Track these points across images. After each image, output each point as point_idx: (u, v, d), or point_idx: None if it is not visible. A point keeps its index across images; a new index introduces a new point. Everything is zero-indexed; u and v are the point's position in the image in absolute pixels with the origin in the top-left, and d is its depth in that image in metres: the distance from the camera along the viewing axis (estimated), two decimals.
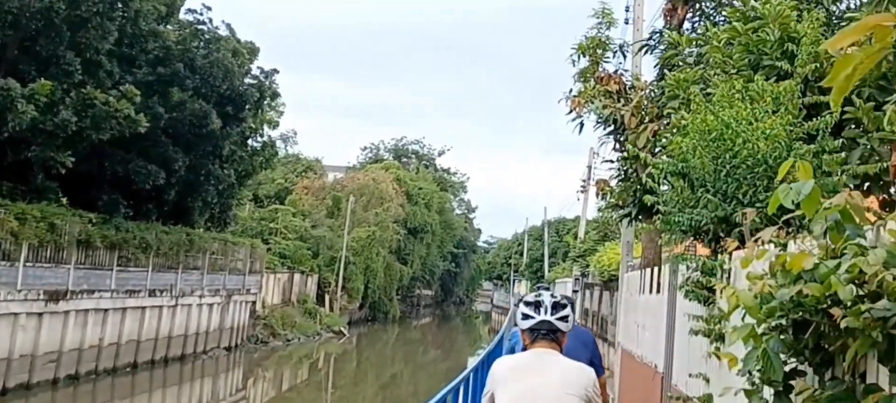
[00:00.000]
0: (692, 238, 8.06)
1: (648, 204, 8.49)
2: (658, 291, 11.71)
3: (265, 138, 35.61)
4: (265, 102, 34.06)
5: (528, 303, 4.60)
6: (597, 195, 14.75)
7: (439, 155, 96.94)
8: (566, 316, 4.57)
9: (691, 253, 8.74)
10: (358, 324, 67.03)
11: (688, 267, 8.04)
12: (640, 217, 12.39)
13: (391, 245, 71.36)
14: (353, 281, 64.11)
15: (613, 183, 13.49)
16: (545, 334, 4.48)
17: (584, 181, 36.68)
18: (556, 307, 4.56)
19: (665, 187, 8.06)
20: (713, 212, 6.93)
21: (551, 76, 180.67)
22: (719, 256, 7.19)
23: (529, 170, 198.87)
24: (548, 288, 7.44)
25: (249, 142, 34.56)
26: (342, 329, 56.95)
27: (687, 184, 7.40)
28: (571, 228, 49.64)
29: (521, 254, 79.58)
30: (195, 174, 30.13)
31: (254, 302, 44.11)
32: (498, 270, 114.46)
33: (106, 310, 29.03)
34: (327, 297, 59.45)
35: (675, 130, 8.21)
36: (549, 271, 58.48)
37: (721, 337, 6.79)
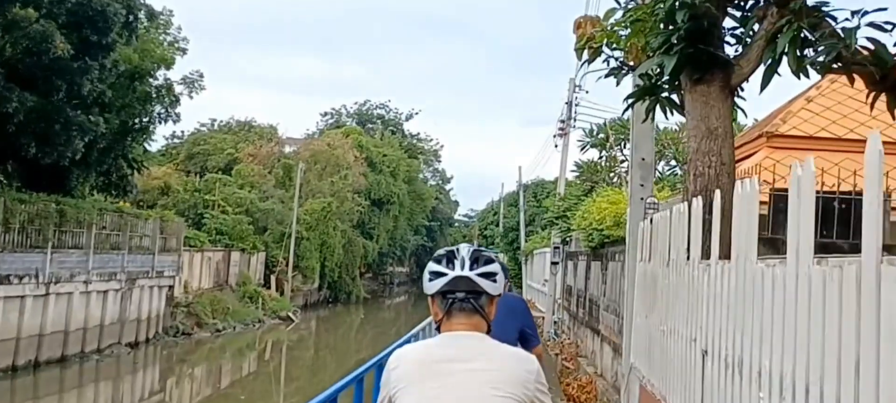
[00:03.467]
0: None
1: None
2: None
3: (160, 80, 28.10)
4: (140, 25, 26.69)
5: (437, 258, 3.22)
6: (581, 49, 7.38)
7: (407, 119, 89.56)
8: (493, 273, 3.16)
9: None
10: (315, 307, 60.06)
11: None
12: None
13: (352, 217, 64.37)
14: (306, 259, 57.09)
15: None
16: (463, 301, 3.12)
17: (561, 123, 29.54)
18: (479, 259, 3.17)
19: None
20: None
21: (528, 50, 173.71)
22: None
23: (508, 143, 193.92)
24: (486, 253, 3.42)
25: (136, 83, 27.04)
26: (290, 314, 49.70)
27: None
28: (551, 191, 42.48)
29: (498, 224, 72.46)
30: (47, 121, 22.66)
31: (171, 287, 36.78)
32: (476, 244, 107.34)
33: None
34: (273, 278, 52.34)
35: None
36: (525, 241, 51.27)
37: None
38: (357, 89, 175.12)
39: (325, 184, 60.56)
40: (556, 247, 29.25)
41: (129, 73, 26.89)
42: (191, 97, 31.09)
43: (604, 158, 26.01)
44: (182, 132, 69.31)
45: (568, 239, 27.39)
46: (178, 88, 30.27)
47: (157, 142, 47.82)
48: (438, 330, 3.19)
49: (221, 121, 70.96)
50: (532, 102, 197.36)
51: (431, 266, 3.22)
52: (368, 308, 68.71)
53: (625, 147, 24.60)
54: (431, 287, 3.18)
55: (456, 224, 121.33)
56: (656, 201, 10.48)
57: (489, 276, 3.16)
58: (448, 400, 2.96)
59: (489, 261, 3.21)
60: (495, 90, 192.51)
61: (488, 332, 3.16)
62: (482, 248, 3.34)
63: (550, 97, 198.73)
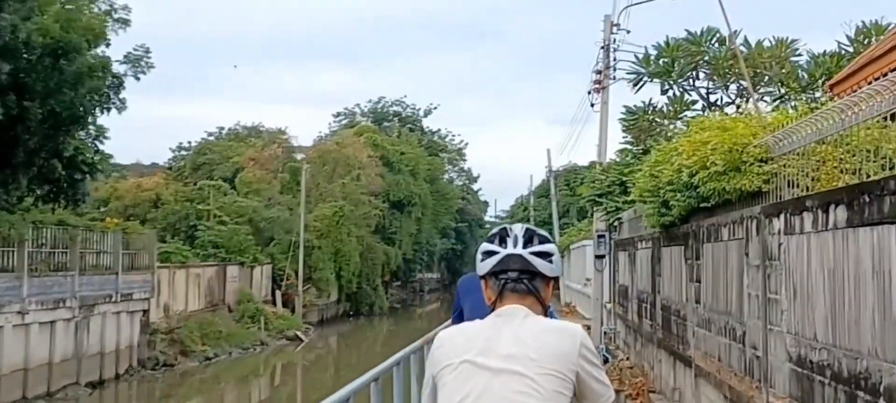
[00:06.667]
0: None
1: None
2: None
3: (89, 57, 22.23)
4: None
5: (490, 237, 3.15)
6: None
7: (425, 115, 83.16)
8: (548, 253, 3.06)
9: None
10: (333, 323, 54.58)
11: None
12: None
13: (370, 222, 58.71)
14: (320, 270, 51.45)
15: None
16: (516, 280, 3.02)
17: (597, 73, 23.28)
18: (533, 238, 3.07)
19: None
20: None
21: (551, 49, 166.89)
22: None
23: (536, 142, 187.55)
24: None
25: (62, 62, 21.22)
26: (299, 333, 43.93)
27: None
28: (586, 177, 36.42)
29: (528, 220, 66.48)
30: None
31: (145, 312, 31.10)
32: None
33: None
34: (278, 293, 46.70)
35: None
36: (560, 235, 45.12)
37: None
38: (379, 97, 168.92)
39: (336, 186, 54.92)
40: (600, 236, 23.16)
41: (51, 49, 21.17)
42: (137, 78, 25.17)
43: (671, 96, 19.32)
44: (189, 143, 64.30)
45: (616, 223, 21.28)
46: (119, 68, 24.43)
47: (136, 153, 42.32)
48: (492, 310, 3.04)
49: (228, 129, 65.60)
50: (557, 100, 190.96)
51: (484, 245, 3.13)
52: (397, 318, 63.74)
53: (699, 75, 18.16)
54: (483, 267, 3.10)
55: (487, 225, 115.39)
56: None
57: (544, 256, 3.05)
58: (493, 384, 2.85)
59: (544, 240, 3.10)
60: (520, 91, 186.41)
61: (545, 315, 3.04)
62: (537, 229, 3.17)
63: (576, 93, 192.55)
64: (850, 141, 7.72)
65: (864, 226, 5.81)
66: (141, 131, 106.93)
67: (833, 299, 6.30)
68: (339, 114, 79.65)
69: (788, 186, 7.96)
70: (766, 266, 7.94)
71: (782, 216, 7.45)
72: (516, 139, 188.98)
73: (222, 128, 64.93)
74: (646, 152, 17.10)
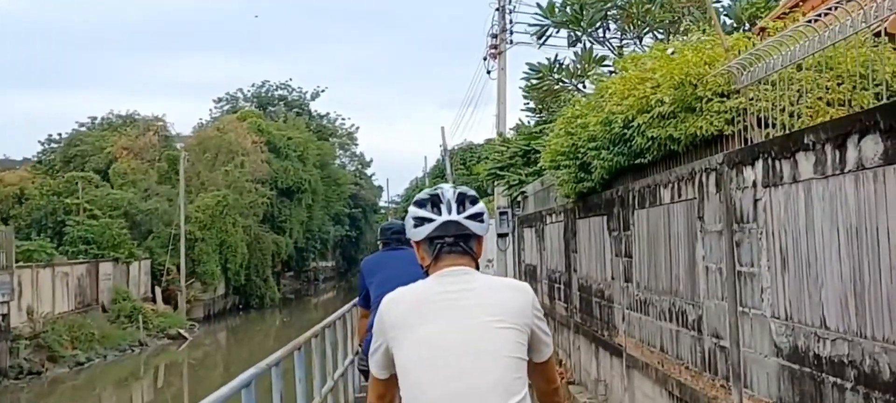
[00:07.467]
0: None
1: None
2: None
3: None
4: None
5: (420, 202, 3.13)
6: None
7: (313, 98, 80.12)
8: (480, 213, 3.11)
9: None
10: (221, 317, 51.90)
11: None
12: None
13: (257, 211, 55.96)
14: (204, 263, 48.56)
15: None
16: (453, 244, 3.05)
17: (493, 38, 21.32)
18: (465, 201, 3.08)
19: None
20: None
21: (442, 34, 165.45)
22: None
23: (429, 127, 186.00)
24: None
25: None
26: (182, 331, 41.05)
27: None
28: (483, 154, 34.74)
29: None
30: None
31: (4, 316, 27.99)
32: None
33: None
34: (159, 290, 43.66)
35: None
36: None
37: None
38: (263, 81, 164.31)
39: (218, 174, 51.93)
40: (502, 213, 21.34)
41: None
42: None
43: (578, 52, 17.28)
44: (60, 135, 59.93)
45: (520, 198, 19.49)
46: None
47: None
48: (426, 274, 3.10)
49: (101, 119, 61.45)
50: (450, 85, 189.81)
51: (415, 211, 3.13)
52: (291, 309, 61.27)
53: (609, 26, 16.15)
54: (417, 233, 3.11)
55: (382, 210, 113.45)
56: None
57: (476, 217, 3.09)
58: (451, 338, 2.90)
59: (474, 201, 3.12)
60: (411, 76, 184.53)
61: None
62: (465, 189, 3.19)
63: (468, 78, 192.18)
64: (838, 64, 5.97)
65: None
66: (9, 125, 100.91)
67: (857, 269, 4.48)
68: (220, 100, 76.07)
69: (760, 126, 6.15)
70: (734, 230, 6.11)
71: (760, 162, 5.62)
72: (409, 123, 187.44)
73: (95, 119, 60.91)
74: (548, 122, 15.20)
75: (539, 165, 13.98)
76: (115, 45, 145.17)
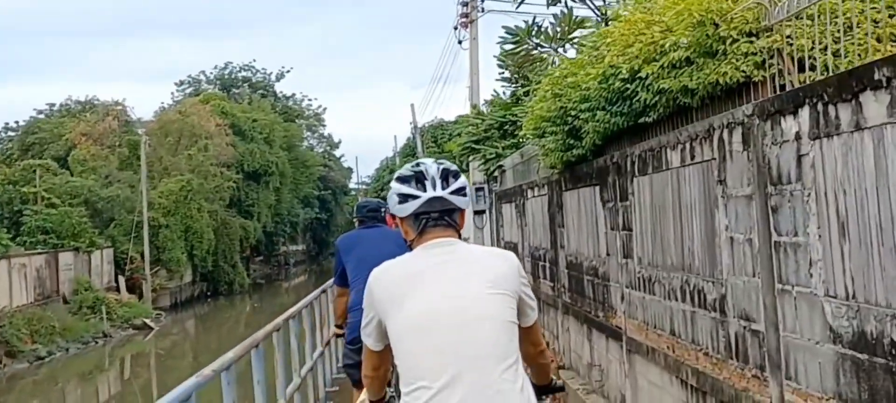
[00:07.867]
0: None
1: None
2: None
3: None
4: None
5: (404, 178, 3.15)
6: None
7: (278, 79, 78.49)
8: (462, 188, 3.16)
9: None
10: (188, 306, 50.63)
11: None
12: None
13: (223, 195, 54.70)
14: (169, 251, 47.27)
15: None
16: (438, 219, 3.09)
17: (464, 5, 20.26)
18: (448, 177, 3.13)
19: None
20: None
21: (411, 13, 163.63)
22: None
23: (399, 108, 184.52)
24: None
25: None
26: (147, 321, 39.77)
27: None
28: (455, 129, 33.74)
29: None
30: None
31: None
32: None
33: None
34: (123, 279, 42.33)
35: None
36: None
37: None
38: (225, 63, 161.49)
39: (181, 158, 50.53)
40: (478, 189, 20.30)
41: None
42: None
43: (557, 14, 16.09)
44: (17, 123, 58.20)
45: (498, 172, 18.48)
46: None
47: None
48: (410, 248, 3.14)
49: (60, 105, 59.67)
50: (419, 65, 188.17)
51: (399, 187, 3.13)
52: (261, 294, 60.07)
53: None
54: (403, 210, 3.12)
55: (352, 192, 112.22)
56: None
57: (460, 192, 3.13)
58: (443, 306, 2.91)
59: (457, 175, 3.16)
60: (379, 56, 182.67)
61: None
62: (448, 163, 3.22)
63: (437, 57, 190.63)
64: None
65: None
66: None
67: None
68: (182, 83, 74.34)
69: (798, 69, 5.17)
70: (770, 193, 5.13)
71: (805, 110, 4.63)
72: (378, 104, 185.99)
73: (53, 105, 59.17)
74: (526, 91, 14.16)
75: (519, 136, 12.96)
76: (71, 30, 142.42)
